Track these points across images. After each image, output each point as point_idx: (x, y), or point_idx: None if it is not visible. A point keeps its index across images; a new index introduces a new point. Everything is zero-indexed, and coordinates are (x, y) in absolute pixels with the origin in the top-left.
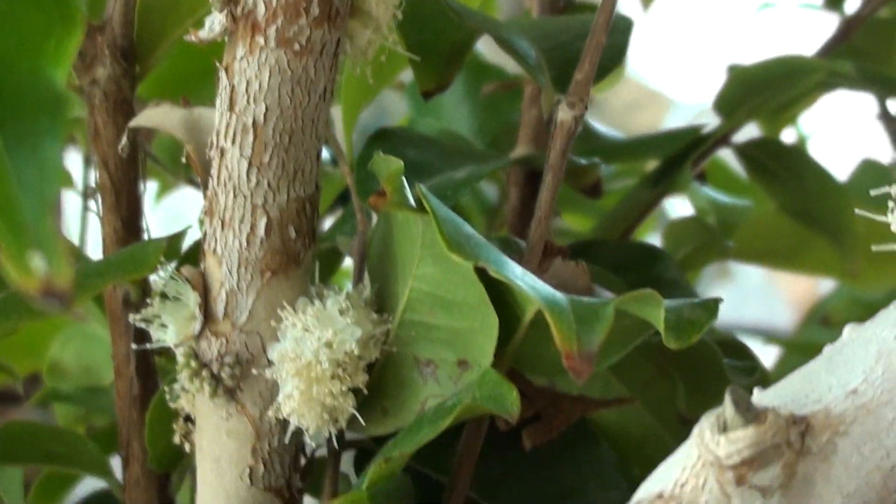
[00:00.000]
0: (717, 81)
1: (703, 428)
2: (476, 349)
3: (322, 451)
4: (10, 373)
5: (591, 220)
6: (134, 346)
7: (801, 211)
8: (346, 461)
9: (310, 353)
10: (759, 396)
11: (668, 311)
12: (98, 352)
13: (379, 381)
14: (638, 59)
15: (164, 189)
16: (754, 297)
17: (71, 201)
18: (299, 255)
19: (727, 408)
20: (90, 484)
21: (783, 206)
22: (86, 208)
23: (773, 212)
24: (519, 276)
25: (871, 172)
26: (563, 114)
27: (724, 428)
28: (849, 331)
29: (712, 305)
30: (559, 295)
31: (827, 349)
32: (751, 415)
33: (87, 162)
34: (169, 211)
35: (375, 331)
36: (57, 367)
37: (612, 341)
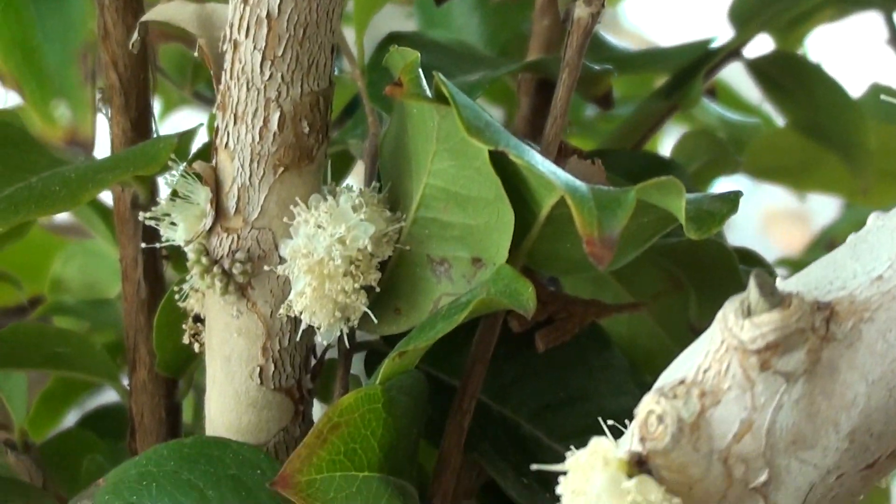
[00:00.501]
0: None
1: (727, 312)
2: (491, 246)
3: (333, 354)
4: (13, 282)
5: (596, 144)
6: (143, 244)
7: (813, 126)
8: (357, 364)
9: (322, 249)
10: (783, 284)
11: (689, 202)
12: (101, 268)
13: (391, 280)
14: (635, 10)
15: (169, 107)
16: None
17: None
18: (312, 151)
19: (752, 292)
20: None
21: (794, 122)
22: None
23: (782, 129)
24: (539, 162)
25: (880, 97)
26: (580, 10)
27: (748, 312)
28: (874, 219)
29: (733, 198)
30: (580, 182)
31: (851, 237)
32: (775, 299)
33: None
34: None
35: (388, 228)
36: (59, 284)
37: (631, 239)
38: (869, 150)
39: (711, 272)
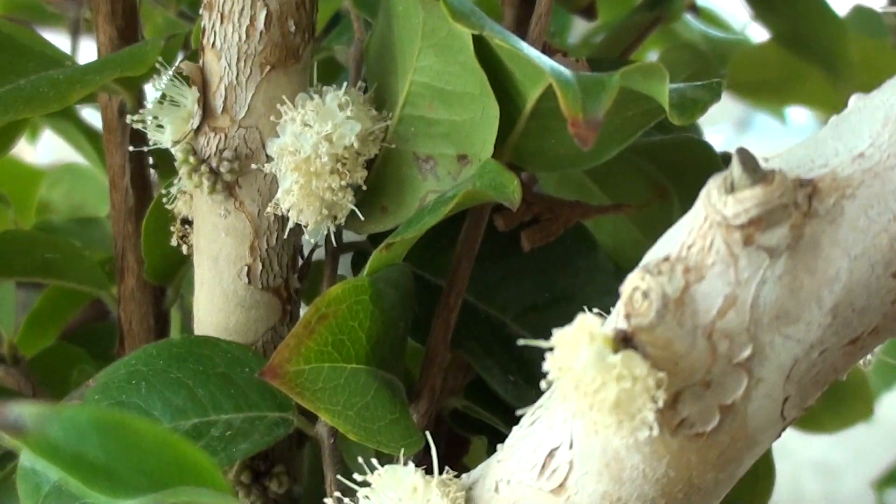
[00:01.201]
0: None
1: (710, 189)
2: (476, 142)
3: (320, 255)
4: (2, 200)
5: None
6: (131, 147)
7: (796, 39)
8: (344, 266)
9: (309, 147)
10: (766, 164)
11: (672, 90)
12: (89, 191)
13: (378, 178)
14: None
15: (153, 32)
16: None
17: None
18: (298, 51)
19: (735, 168)
20: None
21: (778, 35)
22: (79, 18)
23: (765, 44)
24: (524, 47)
25: (862, 18)
26: None
27: (731, 188)
28: (855, 100)
29: (715, 87)
30: (564, 68)
31: (833, 119)
32: (758, 175)
33: None
34: None
35: (374, 127)
36: (46, 207)
37: (616, 133)
38: (851, 63)
39: (696, 177)
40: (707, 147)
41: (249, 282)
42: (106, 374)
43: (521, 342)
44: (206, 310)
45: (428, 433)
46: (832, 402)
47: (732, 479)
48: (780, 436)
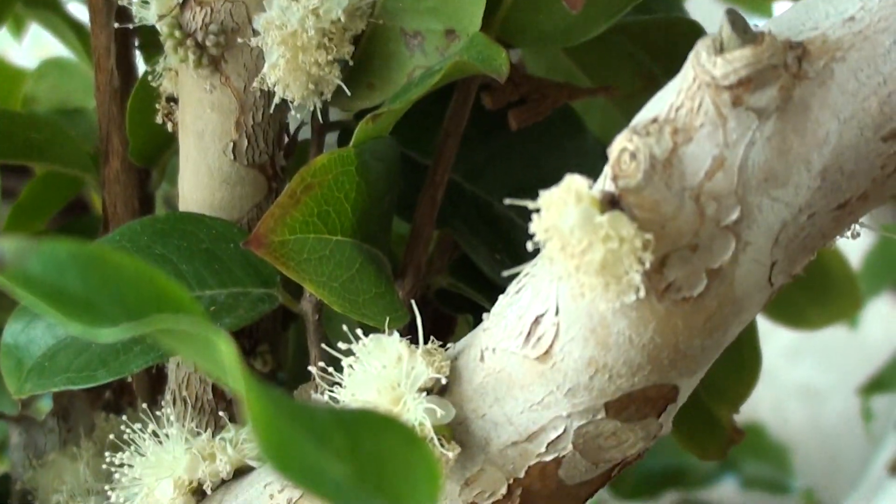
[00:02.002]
0: None
1: (699, 50)
2: (464, 17)
3: (306, 133)
4: None
5: None
6: (116, 24)
7: None
8: (330, 144)
9: (296, 21)
10: (756, 27)
11: None
12: (75, 84)
13: (365, 55)
14: None
15: None
16: None
17: None
18: None
19: (724, 29)
20: None
21: None
22: None
23: None
24: None
25: None
26: None
27: (720, 49)
28: None
29: None
30: None
31: None
32: (748, 36)
33: None
34: None
35: (362, 2)
36: (32, 100)
37: (604, 8)
38: None
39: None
40: (696, 27)
41: (235, 158)
42: None
43: (507, 201)
44: (190, 186)
45: (413, 303)
46: (819, 297)
47: (719, 347)
48: (768, 301)
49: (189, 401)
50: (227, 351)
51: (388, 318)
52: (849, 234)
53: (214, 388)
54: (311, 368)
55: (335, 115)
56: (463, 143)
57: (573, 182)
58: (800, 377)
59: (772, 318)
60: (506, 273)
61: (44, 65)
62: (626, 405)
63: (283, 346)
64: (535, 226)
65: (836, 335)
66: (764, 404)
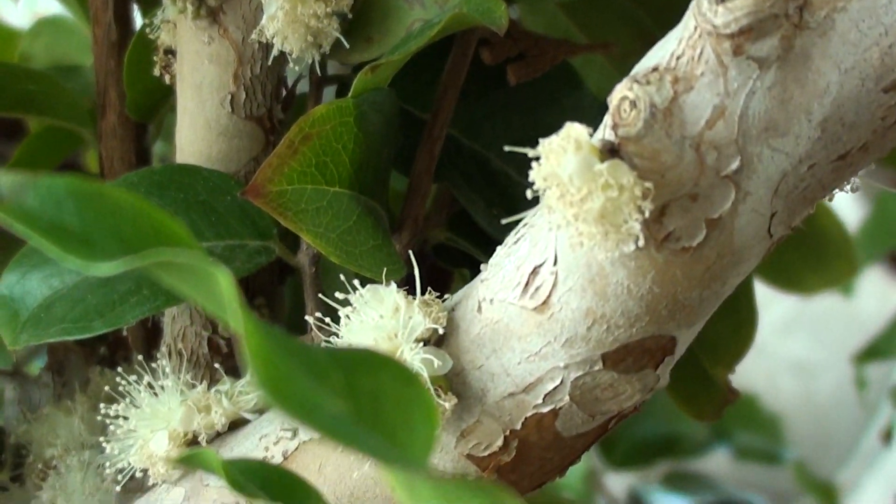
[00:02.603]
0: None
1: None
2: None
3: (304, 88)
4: None
5: None
6: None
7: None
8: (329, 98)
9: None
10: None
11: None
12: (71, 44)
13: (364, 8)
14: None
15: None
16: None
17: None
18: None
19: None
20: None
21: None
22: None
23: None
24: None
25: None
26: None
27: None
28: None
29: None
30: None
31: None
32: None
33: None
34: None
35: None
36: (27, 59)
37: None
38: None
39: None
40: None
41: (233, 110)
42: None
43: (506, 148)
44: (188, 139)
45: (411, 253)
46: (815, 261)
47: (718, 298)
48: (767, 253)
49: (185, 354)
50: (226, 285)
51: (385, 270)
52: (848, 187)
53: (210, 342)
54: (308, 318)
55: (333, 69)
56: (461, 98)
57: (573, 130)
58: (793, 350)
59: (769, 283)
60: (504, 221)
61: (39, 23)
62: (623, 356)
63: (279, 300)
64: (535, 173)
65: (829, 307)
66: (757, 377)
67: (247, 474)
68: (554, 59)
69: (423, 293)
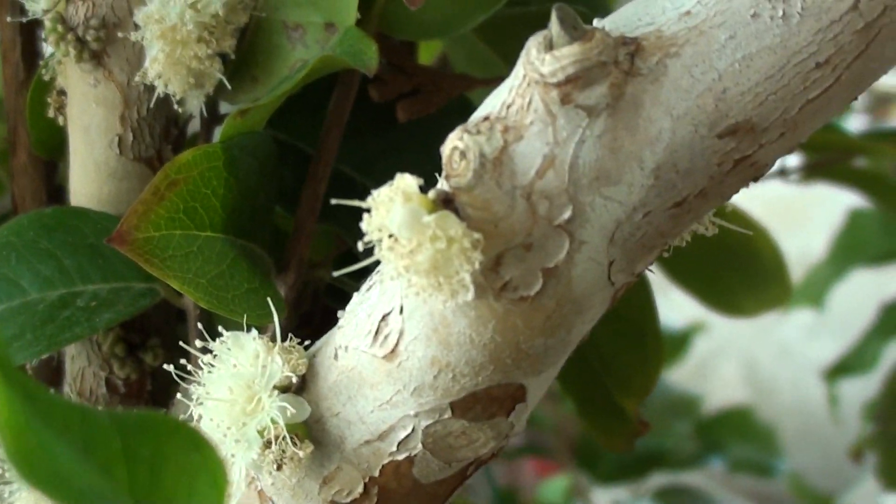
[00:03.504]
0: None
1: (530, 47)
2: (342, 9)
3: (196, 127)
4: None
5: None
6: (9, 18)
7: None
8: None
9: (175, 15)
10: (596, 23)
11: None
12: None
13: (249, 48)
14: None
15: None
16: None
17: None
18: None
19: (553, 25)
20: None
21: None
22: None
23: None
24: None
25: None
26: None
27: (549, 46)
28: None
29: None
30: None
31: None
32: (578, 33)
33: None
34: None
35: None
36: None
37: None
38: None
39: None
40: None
41: (121, 152)
42: None
43: (333, 202)
44: (79, 181)
45: (279, 300)
46: (750, 285)
47: (565, 346)
48: (613, 303)
49: (84, 395)
50: None
51: (258, 314)
52: (704, 229)
53: (108, 382)
54: (167, 367)
55: (227, 108)
56: (356, 134)
57: (402, 181)
58: (820, 357)
59: (707, 306)
60: (354, 268)
61: None
62: (471, 405)
63: (176, 340)
64: (366, 225)
65: (854, 310)
66: (782, 384)
67: None
68: (451, 93)
69: (316, 337)
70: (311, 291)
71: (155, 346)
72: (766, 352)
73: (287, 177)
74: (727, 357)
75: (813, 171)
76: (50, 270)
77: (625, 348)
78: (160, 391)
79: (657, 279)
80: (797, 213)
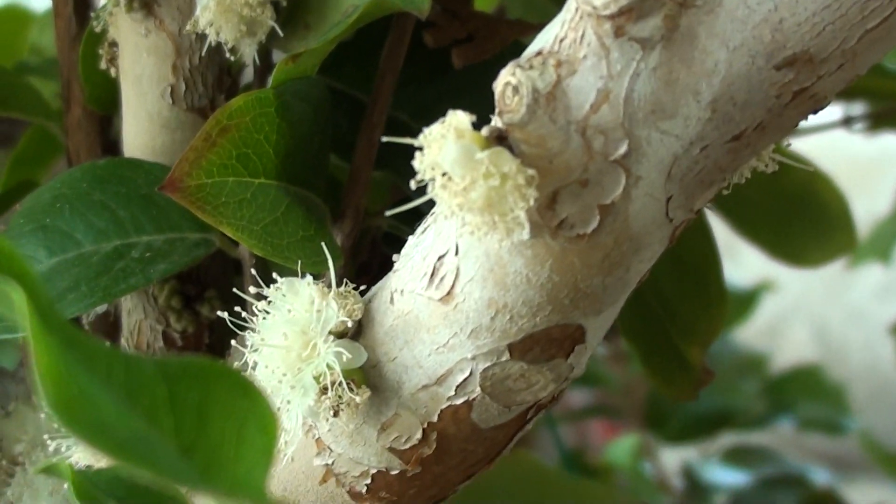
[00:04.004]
0: None
1: None
2: None
3: (249, 77)
4: None
5: None
6: None
7: None
8: None
9: None
10: None
11: None
12: None
13: None
14: None
15: None
16: None
17: None
18: None
19: None
20: None
21: None
22: None
23: None
24: None
25: None
26: None
27: None
28: None
29: None
30: None
31: None
32: None
33: None
34: None
35: None
36: (36, 51)
37: None
38: None
39: None
40: None
41: (174, 102)
42: (31, 198)
43: (384, 139)
44: (132, 132)
45: (335, 245)
46: (815, 234)
47: (624, 285)
48: (672, 241)
49: (141, 349)
50: (17, 298)
51: (314, 261)
52: (763, 165)
53: (165, 335)
54: (222, 314)
55: (279, 56)
56: (411, 81)
57: (454, 118)
58: (890, 317)
59: (772, 257)
60: (403, 208)
61: (47, 15)
62: (529, 346)
63: (233, 292)
64: (418, 163)
65: None
66: (853, 347)
67: (100, 485)
68: (505, 40)
69: (359, 283)
70: (369, 240)
71: (212, 298)
72: (837, 314)
73: (342, 125)
74: (797, 320)
75: (879, 121)
76: (104, 222)
77: (688, 294)
78: (218, 343)
79: (723, 238)
80: (865, 173)
